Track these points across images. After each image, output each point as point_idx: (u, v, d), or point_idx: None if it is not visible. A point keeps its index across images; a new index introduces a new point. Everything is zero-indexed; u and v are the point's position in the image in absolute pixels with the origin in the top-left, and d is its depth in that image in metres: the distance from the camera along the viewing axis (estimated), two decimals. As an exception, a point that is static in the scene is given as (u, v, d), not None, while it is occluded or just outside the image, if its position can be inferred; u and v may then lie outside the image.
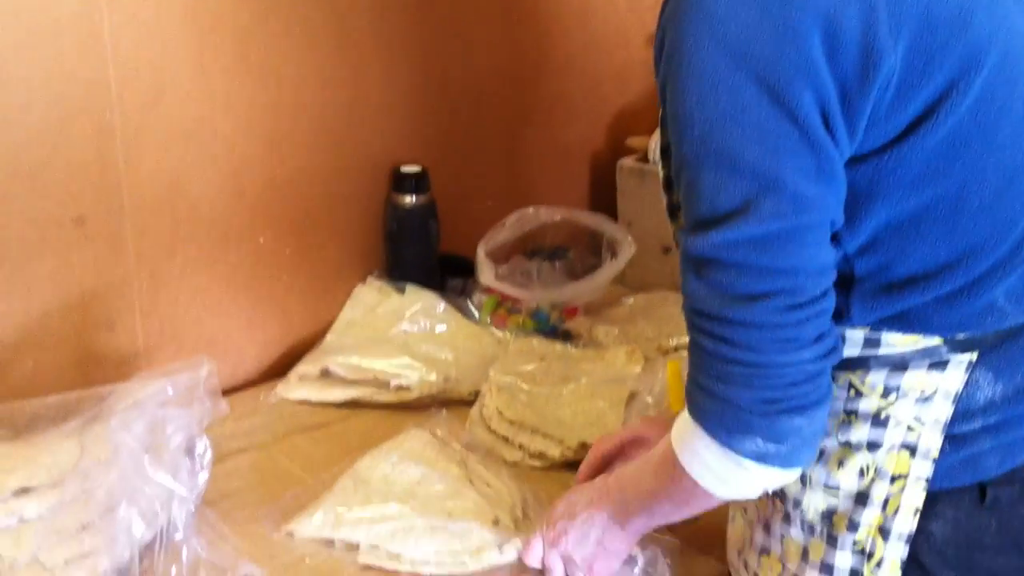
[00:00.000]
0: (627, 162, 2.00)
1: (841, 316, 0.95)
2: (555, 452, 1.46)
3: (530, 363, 1.62)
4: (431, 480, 1.34)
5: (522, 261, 1.92)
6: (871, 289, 0.94)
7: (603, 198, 2.06)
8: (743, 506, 1.11)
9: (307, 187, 1.71)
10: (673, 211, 1.05)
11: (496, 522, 1.27)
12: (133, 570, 1.20)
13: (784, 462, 0.93)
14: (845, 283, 0.95)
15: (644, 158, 1.99)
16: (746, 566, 1.08)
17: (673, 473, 1.00)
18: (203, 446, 1.29)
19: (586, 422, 1.51)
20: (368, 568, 1.26)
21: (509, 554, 1.23)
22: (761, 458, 0.93)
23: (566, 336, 1.77)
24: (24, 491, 1.23)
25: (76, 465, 1.26)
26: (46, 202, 1.45)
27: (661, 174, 1.06)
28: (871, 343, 0.95)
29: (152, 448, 1.24)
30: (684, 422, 0.98)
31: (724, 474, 0.96)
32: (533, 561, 1.20)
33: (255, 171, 1.64)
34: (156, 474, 1.22)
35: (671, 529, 1.23)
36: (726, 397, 0.92)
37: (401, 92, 1.79)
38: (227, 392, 1.45)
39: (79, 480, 1.24)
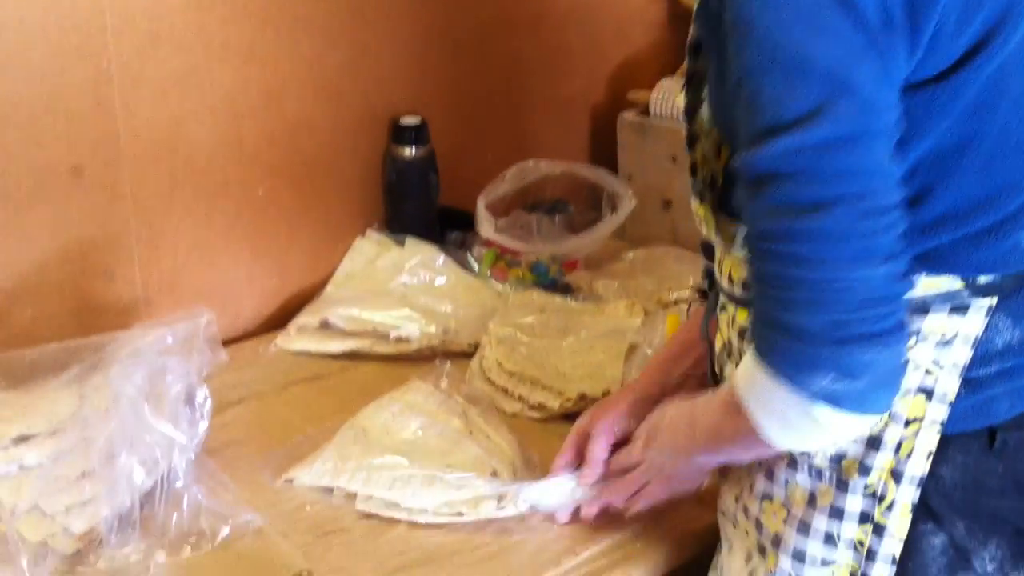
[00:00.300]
0: (628, 116, 1.99)
1: None
2: (554, 404, 1.46)
3: (530, 316, 1.62)
4: (431, 432, 1.34)
5: (522, 214, 1.91)
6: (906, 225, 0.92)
7: (603, 152, 2.05)
8: None
9: (306, 138, 1.69)
10: (695, 168, 1.04)
11: (494, 474, 1.27)
12: (134, 517, 1.20)
13: (859, 404, 0.88)
14: None
15: (645, 112, 1.98)
16: (746, 512, 1.08)
17: (737, 422, 0.96)
18: (203, 395, 1.29)
19: (585, 374, 1.51)
20: (367, 517, 1.26)
21: (507, 510, 1.24)
22: (834, 398, 0.87)
23: (566, 289, 1.76)
24: (23, 439, 1.23)
25: (75, 413, 1.26)
26: (43, 151, 1.44)
27: (685, 131, 1.05)
28: None
29: (152, 397, 1.24)
30: (750, 364, 0.93)
31: (793, 421, 0.91)
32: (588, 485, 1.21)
33: (253, 121, 1.63)
34: (156, 422, 1.22)
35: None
36: (794, 326, 0.87)
37: (401, 42, 1.77)
38: (226, 343, 1.44)
39: (79, 428, 1.24)
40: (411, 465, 1.28)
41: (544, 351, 1.55)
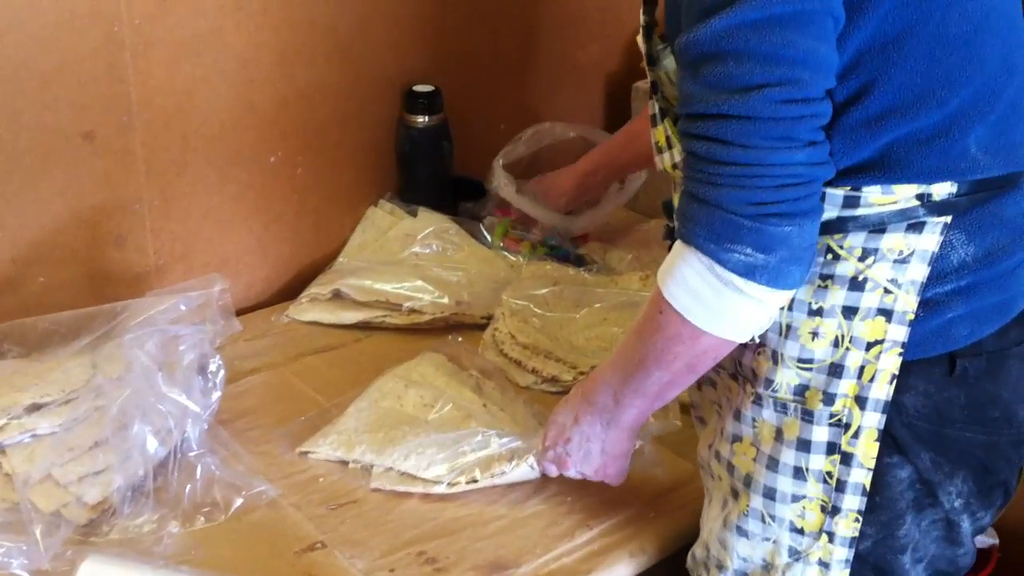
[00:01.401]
0: (643, 85, 1.96)
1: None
2: (568, 377, 1.45)
3: (543, 287, 1.61)
4: (444, 403, 1.33)
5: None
6: (851, 123, 0.94)
7: (617, 122, 2.03)
8: (717, 404, 1.11)
9: (319, 105, 1.68)
10: (656, 86, 1.06)
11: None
12: (147, 487, 1.20)
13: (773, 277, 0.91)
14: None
15: (660, 81, 1.95)
16: (718, 457, 1.08)
17: (657, 319, 0.98)
18: (216, 365, 1.28)
19: (599, 347, 1.50)
20: (382, 488, 1.26)
21: (521, 468, 1.23)
22: (749, 271, 0.91)
23: (579, 261, 1.75)
24: (36, 407, 1.23)
25: (88, 382, 1.26)
26: (54, 116, 1.42)
27: (643, 50, 1.07)
28: (850, 202, 0.95)
29: (165, 365, 1.24)
30: (672, 252, 0.97)
31: (709, 297, 0.93)
32: (552, 473, 1.20)
33: (266, 87, 1.61)
34: (169, 391, 1.22)
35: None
36: (716, 201, 0.90)
37: (415, 8, 1.75)
38: (238, 313, 1.44)
39: (92, 397, 1.24)
40: (425, 436, 1.27)
41: (558, 324, 1.55)
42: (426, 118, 1.76)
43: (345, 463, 1.29)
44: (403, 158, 1.79)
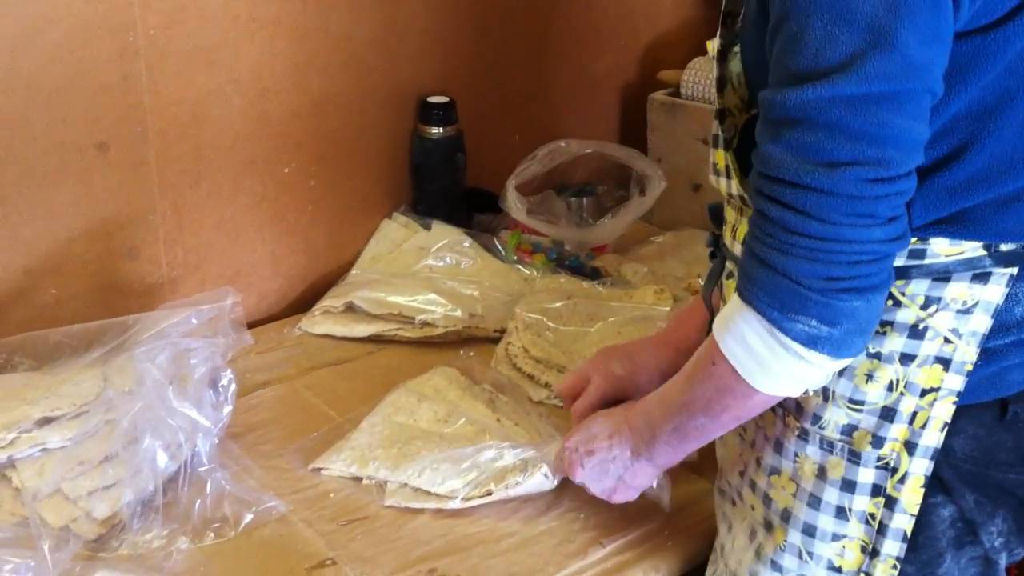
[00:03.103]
0: (658, 96, 1.96)
1: None
2: (582, 391, 1.44)
3: (557, 301, 1.60)
4: (458, 418, 1.32)
5: (550, 196, 1.89)
6: (935, 187, 0.92)
7: (632, 134, 2.02)
8: (741, 427, 1.09)
9: (332, 116, 1.67)
10: (723, 114, 1.03)
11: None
12: (157, 502, 1.19)
13: (835, 348, 0.89)
14: None
15: (675, 92, 1.94)
16: (753, 487, 1.06)
17: (710, 369, 0.96)
18: (227, 378, 1.27)
19: (614, 362, 1.49)
20: (392, 504, 1.25)
21: (535, 478, 1.21)
22: (811, 341, 0.89)
23: (594, 274, 1.74)
24: (47, 421, 1.22)
25: (99, 395, 1.25)
26: (68, 127, 1.42)
27: (715, 73, 1.05)
28: (916, 253, 0.93)
29: (176, 379, 1.23)
30: (730, 305, 0.94)
31: (768, 359, 0.91)
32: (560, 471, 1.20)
33: (280, 98, 1.61)
34: (180, 405, 1.21)
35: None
36: (785, 270, 0.88)
37: (430, 19, 1.74)
38: (250, 326, 1.43)
39: (102, 410, 1.23)
40: (439, 452, 1.26)
41: (571, 337, 1.53)
42: (440, 130, 1.76)
43: (358, 479, 1.28)
44: (417, 170, 1.78)
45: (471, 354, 1.49)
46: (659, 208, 1.85)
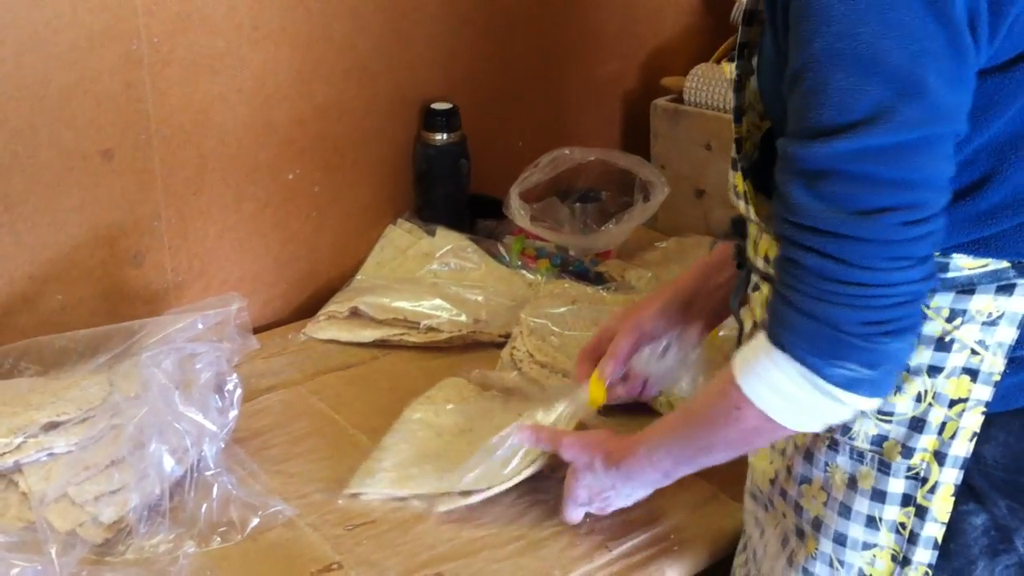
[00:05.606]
0: (661, 102, 1.96)
1: None
2: (587, 396, 1.44)
3: (562, 306, 1.60)
4: (481, 422, 1.32)
5: (554, 203, 1.89)
6: (959, 216, 0.91)
7: (636, 140, 2.02)
8: None
9: (336, 123, 1.68)
10: (741, 142, 1.03)
11: (534, 462, 1.25)
12: (163, 507, 1.19)
13: (873, 388, 0.90)
14: None
15: (679, 99, 1.95)
16: (784, 496, 1.06)
17: (735, 414, 0.96)
18: (233, 383, 1.28)
19: (618, 366, 1.49)
20: (397, 510, 1.25)
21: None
22: (851, 384, 0.89)
23: (598, 279, 1.74)
24: (53, 426, 1.23)
25: (105, 400, 1.26)
26: (73, 134, 1.43)
27: (733, 102, 1.04)
28: (938, 266, 0.92)
29: (182, 384, 1.23)
30: (756, 349, 0.93)
31: (804, 401, 0.91)
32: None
33: (283, 105, 1.61)
34: (186, 410, 1.21)
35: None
36: (826, 318, 0.87)
37: (433, 26, 1.75)
38: (256, 331, 1.44)
39: (108, 415, 1.23)
40: (475, 456, 1.25)
41: (576, 342, 1.53)
42: (444, 136, 1.76)
43: (402, 499, 1.26)
44: (421, 176, 1.79)
45: (473, 371, 1.49)
46: (663, 214, 1.85)
